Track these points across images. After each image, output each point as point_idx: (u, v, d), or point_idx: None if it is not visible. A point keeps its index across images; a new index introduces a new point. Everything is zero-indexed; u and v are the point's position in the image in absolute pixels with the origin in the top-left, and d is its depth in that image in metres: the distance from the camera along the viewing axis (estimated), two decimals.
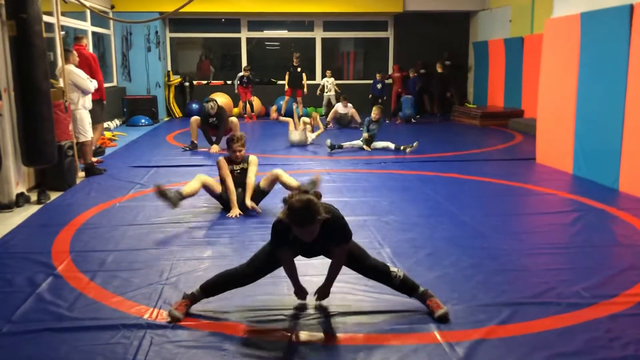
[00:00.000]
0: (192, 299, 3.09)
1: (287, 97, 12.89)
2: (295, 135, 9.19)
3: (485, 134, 10.74)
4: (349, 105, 11.79)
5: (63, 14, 8.15)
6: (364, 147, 8.72)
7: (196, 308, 3.13)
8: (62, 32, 7.78)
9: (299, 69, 12.79)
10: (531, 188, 6.21)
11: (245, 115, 13.05)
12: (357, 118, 11.53)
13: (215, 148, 8.46)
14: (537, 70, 7.93)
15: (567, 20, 6.95)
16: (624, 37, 5.85)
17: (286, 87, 12.88)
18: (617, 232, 4.60)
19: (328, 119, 11.75)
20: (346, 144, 8.78)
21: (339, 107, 11.82)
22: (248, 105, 13.00)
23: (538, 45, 8.61)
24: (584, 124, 6.65)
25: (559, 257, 3.99)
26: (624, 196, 5.72)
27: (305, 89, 12.77)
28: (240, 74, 12.88)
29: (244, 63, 14.31)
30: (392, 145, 8.63)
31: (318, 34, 14.51)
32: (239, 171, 5.19)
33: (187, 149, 8.62)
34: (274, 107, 12.94)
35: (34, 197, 5.65)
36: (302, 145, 9.15)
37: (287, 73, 12.84)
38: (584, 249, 4.13)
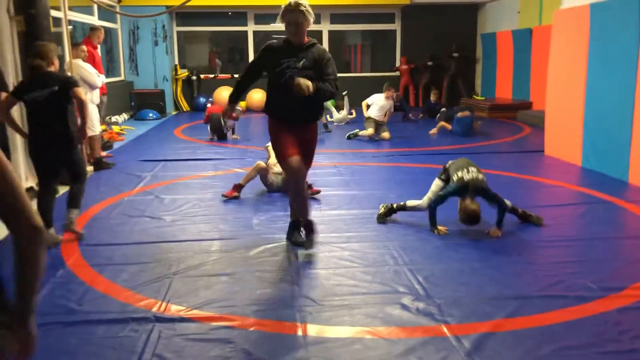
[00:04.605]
0: None
1: None
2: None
3: (494, 126, 10.67)
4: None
5: (70, 8, 8.16)
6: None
7: (203, 302, 3.15)
8: (70, 27, 7.79)
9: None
10: (539, 180, 6.18)
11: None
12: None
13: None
14: (545, 62, 7.86)
15: (576, 11, 6.88)
16: (634, 29, 5.78)
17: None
18: (627, 224, 4.58)
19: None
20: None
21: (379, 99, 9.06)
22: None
23: (547, 37, 8.54)
24: (593, 116, 6.60)
25: (567, 250, 3.97)
26: (633, 188, 5.68)
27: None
28: None
29: (251, 56, 14.31)
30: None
31: (325, 27, 14.44)
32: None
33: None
34: None
35: None
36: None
37: None
38: (593, 242, 4.10)
